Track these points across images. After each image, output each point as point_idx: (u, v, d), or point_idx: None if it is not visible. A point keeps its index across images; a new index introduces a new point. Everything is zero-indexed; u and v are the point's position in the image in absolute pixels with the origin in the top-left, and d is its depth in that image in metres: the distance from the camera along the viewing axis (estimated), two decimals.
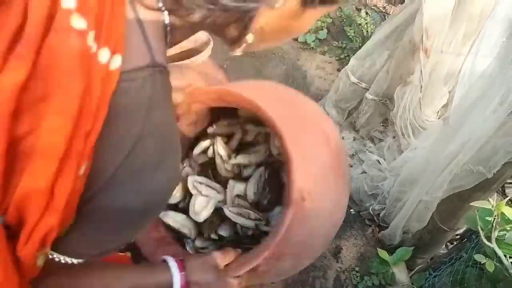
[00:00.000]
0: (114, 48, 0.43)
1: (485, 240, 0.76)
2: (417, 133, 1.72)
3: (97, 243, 0.56)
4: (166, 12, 0.48)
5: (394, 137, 1.92)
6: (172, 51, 0.81)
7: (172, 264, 0.72)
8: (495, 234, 0.74)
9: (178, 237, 1.03)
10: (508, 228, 0.73)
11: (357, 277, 1.69)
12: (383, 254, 1.45)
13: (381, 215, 1.76)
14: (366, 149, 1.99)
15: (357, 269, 1.73)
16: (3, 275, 0.45)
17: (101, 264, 0.63)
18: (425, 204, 1.44)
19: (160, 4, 0.47)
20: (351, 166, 2.00)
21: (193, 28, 0.52)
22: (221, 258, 0.79)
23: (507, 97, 1.07)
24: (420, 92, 1.64)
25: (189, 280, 0.72)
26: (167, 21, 0.49)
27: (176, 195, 1.02)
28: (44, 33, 0.40)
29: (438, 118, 1.72)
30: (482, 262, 0.88)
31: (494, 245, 0.75)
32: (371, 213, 1.80)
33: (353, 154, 2.03)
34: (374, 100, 1.88)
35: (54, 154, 0.42)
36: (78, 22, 0.41)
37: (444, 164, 1.30)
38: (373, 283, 1.62)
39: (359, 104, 2.01)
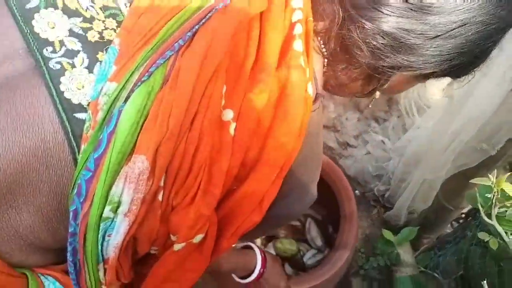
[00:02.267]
0: (312, 82, 0.53)
1: (485, 218, 0.74)
2: (422, 111, 1.70)
3: (252, 237, 0.70)
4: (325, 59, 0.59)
5: (398, 117, 1.89)
6: None
7: (258, 257, 0.87)
8: (495, 211, 0.72)
9: None
10: (508, 205, 0.71)
11: (362, 258, 1.69)
12: (387, 234, 1.44)
13: (386, 195, 1.74)
14: (371, 130, 1.97)
15: (362, 250, 1.72)
16: (204, 261, 0.55)
17: None
18: (429, 184, 1.42)
19: (324, 50, 0.57)
20: (355, 147, 1.98)
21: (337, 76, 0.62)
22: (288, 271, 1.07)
23: (510, 73, 1.04)
24: None
25: (264, 277, 0.87)
26: (325, 63, 0.59)
27: None
28: (278, 65, 0.50)
29: (444, 96, 1.69)
30: (485, 240, 0.87)
31: (494, 222, 0.73)
32: (376, 194, 1.78)
33: (357, 135, 2.01)
34: None
35: (277, 166, 0.51)
36: (303, 61, 0.51)
37: (448, 142, 1.28)
38: (378, 264, 1.61)
39: None
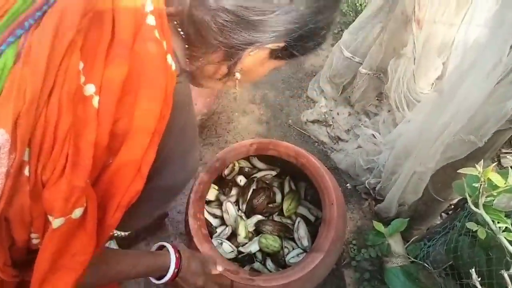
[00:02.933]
0: (172, 55, 0.57)
1: (473, 207, 0.76)
2: (412, 106, 1.72)
3: (144, 217, 0.70)
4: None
5: (389, 111, 1.91)
6: None
7: (172, 257, 0.87)
8: (482, 200, 0.74)
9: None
10: (495, 194, 0.73)
11: (354, 250, 1.72)
12: (378, 226, 1.46)
13: (377, 188, 1.77)
14: (361, 124, 1.99)
15: (354, 242, 1.75)
16: (89, 240, 0.55)
17: (119, 251, 0.73)
18: (419, 176, 1.45)
19: (182, 32, 0.61)
20: (347, 142, 2.00)
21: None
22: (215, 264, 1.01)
23: (497, 65, 1.06)
24: (414, 64, 1.63)
25: (180, 276, 0.88)
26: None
27: None
28: (133, 41, 0.54)
29: (433, 91, 1.71)
30: (474, 230, 0.89)
31: (481, 211, 0.75)
32: (367, 187, 1.80)
33: (348, 129, 2.03)
34: (368, 74, 1.87)
35: (148, 131, 0.54)
36: (157, 34, 0.56)
37: (436, 134, 1.30)
38: (370, 255, 1.64)
39: (354, 79, 2.00)
